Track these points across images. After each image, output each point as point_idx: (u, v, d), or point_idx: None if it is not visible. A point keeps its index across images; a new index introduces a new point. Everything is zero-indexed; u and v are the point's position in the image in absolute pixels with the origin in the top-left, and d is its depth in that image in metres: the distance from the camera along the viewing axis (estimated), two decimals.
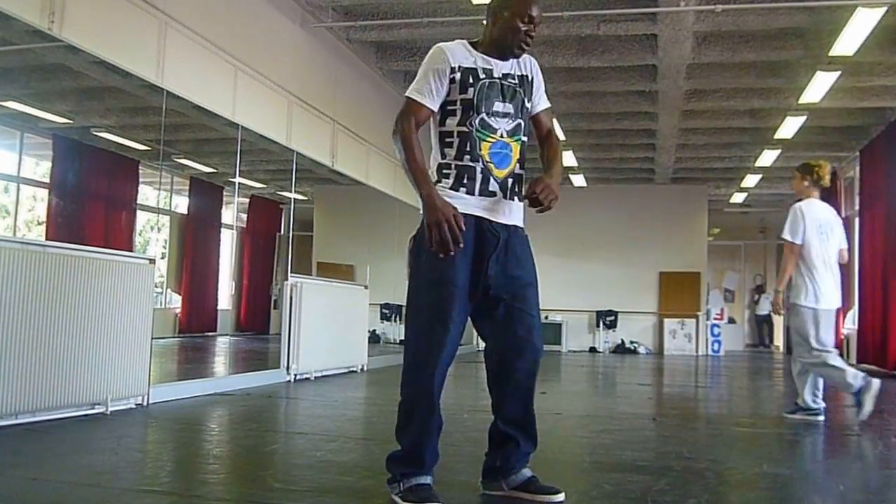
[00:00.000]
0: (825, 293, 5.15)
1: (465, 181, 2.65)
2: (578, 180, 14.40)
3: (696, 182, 14.80)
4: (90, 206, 9.37)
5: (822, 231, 5.17)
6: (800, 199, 5.37)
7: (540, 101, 2.88)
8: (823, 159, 13.04)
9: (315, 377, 6.96)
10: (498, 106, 2.70)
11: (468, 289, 2.62)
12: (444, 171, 2.68)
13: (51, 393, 4.04)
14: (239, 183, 11.40)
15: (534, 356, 2.71)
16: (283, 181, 11.19)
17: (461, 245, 2.52)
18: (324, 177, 9.46)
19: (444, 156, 2.70)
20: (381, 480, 2.97)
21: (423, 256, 2.62)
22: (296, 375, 6.69)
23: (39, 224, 11.06)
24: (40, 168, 9.76)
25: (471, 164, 2.65)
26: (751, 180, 13.97)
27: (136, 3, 5.01)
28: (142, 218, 11.03)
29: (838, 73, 8.03)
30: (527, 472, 2.75)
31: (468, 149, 2.65)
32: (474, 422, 4.80)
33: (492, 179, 2.67)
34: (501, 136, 2.70)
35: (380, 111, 9.22)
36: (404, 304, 2.71)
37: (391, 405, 5.86)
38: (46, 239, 8.77)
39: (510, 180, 2.71)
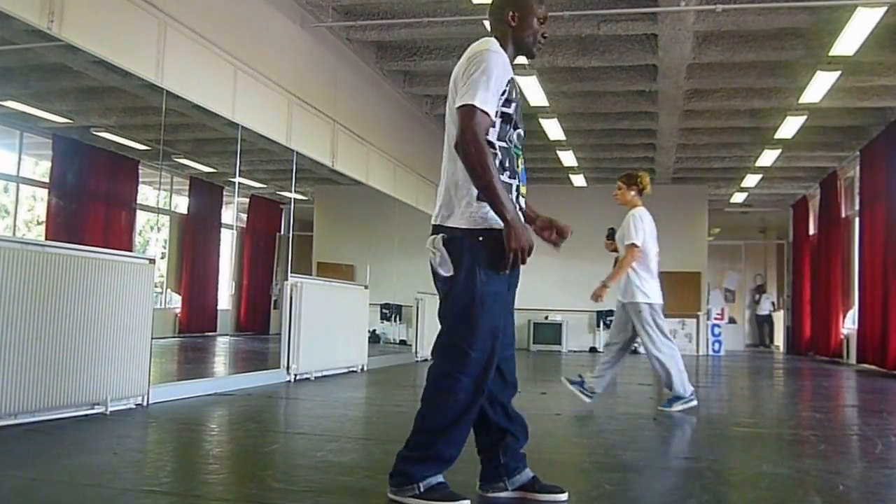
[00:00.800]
0: (658, 290, 5.94)
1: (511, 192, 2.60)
2: (578, 180, 14.40)
3: (696, 182, 14.81)
4: (90, 205, 9.37)
5: (653, 236, 6.01)
6: (632, 207, 6.05)
7: None
8: (824, 159, 13.12)
9: (315, 377, 6.96)
10: (520, 122, 2.71)
11: (510, 298, 2.72)
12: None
13: (51, 393, 4.03)
14: (239, 183, 11.41)
15: (513, 347, 2.83)
16: (283, 181, 11.20)
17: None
18: (324, 177, 9.47)
19: (497, 161, 2.58)
20: (381, 480, 2.97)
21: (479, 269, 2.56)
22: (296, 375, 6.70)
23: (39, 224, 11.06)
24: (40, 168, 9.77)
25: (510, 181, 2.62)
26: (751, 180, 13.98)
27: (135, 3, 5.01)
28: (142, 218, 11.04)
29: (838, 72, 8.03)
30: (529, 472, 2.75)
31: (508, 165, 2.61)
32: None
33: (520, 196, 2.68)
34: (520, 151, 2.73)
35: (380, 111, 9.24)
36: (454, 311, 2.62)
37: (391, 405, 5.88)
38: (46, 239, 8.77)
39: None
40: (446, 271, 2.60)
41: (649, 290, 5.82)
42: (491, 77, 2.51)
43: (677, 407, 5.43)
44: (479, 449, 2.77)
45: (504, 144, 2.61)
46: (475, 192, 2.54)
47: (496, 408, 2.72)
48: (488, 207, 2.53)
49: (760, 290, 19.07)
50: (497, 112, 2.57)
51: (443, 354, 2.64)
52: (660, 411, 5.46)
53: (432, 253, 2.63)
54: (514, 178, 2.63)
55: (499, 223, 2.52)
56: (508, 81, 2.59)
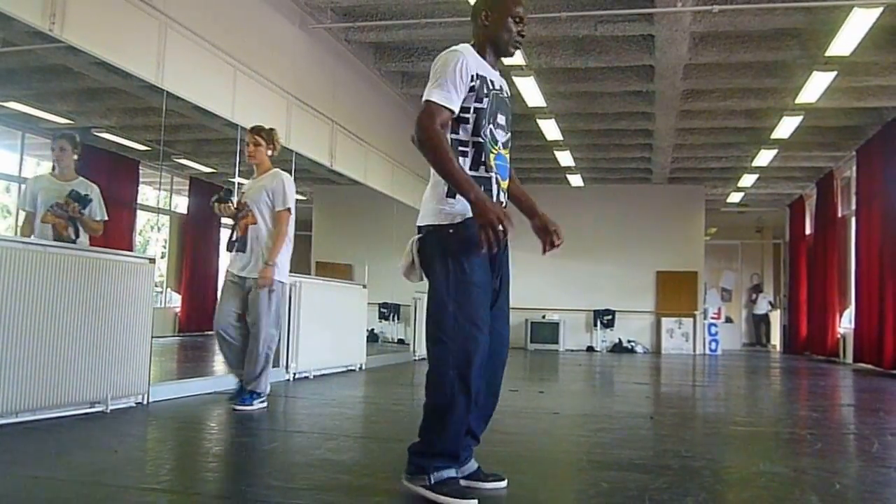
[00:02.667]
0: (288, 268, 5.14)
1: (484, 187, 2.68)
2: (576, 180, 14.43)
3: (693, 182, 14.84)
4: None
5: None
6: (267, 167, 5.16)
7: None
8: (821, 159, 13.12)
9: (314, 376, 6.98)
10: (500, 118, 2.78)
11: (491, 289, 2.74)
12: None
13: (51, 391, 4.05)
14: (239, 183, 11.39)
15: (507, 350, 2.88)
16: None
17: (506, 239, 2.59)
18: (322, 177, 9.48)
19: (468, 156, 2.71)
20: (379, 478, 3.01)
21: (452, 261, 2.64)
22: (295, 374, 6.72)
23: None
24: (41, 168, 9.76)
25: (486, 174, 2.72)
26: (748, 180, 14.01)
27: (136, 5, 5.03)
28: (142, 218, 11.03)
29: (835, 73, 8.06)
30: (475, 464, 2.85)
31: (483, 160, 2.71)
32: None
33: (500, 191, 2.77)
34: (501, 149, 2.79)
35: (378, 111, 9.26)
36: (434, 305, 2.70)
37: (390, 404, 5.90)
38: None
39: (506, 191, 2.83)
40: (414, 279, 2.75)
41: (285, 268, 5.04)
42: (446, 74, 2.61)
43: (257, 405, 4.86)
44: None
45: (479, 139, 2.70)
46: (444, 189, 2.65)
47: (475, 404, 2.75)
48: (457, 203, 2.63)
49: (757, 289, 19.10)
50: (470, 108, 2.67)
51: (429, 348, 2.71)
52: (237, 410, 4.78)
53: (405, 259, 2.74)
54: (490, 172, 2.72)
55: (467, 215, 2.60)
56: (477, 78, 2.67)
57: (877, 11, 6.48)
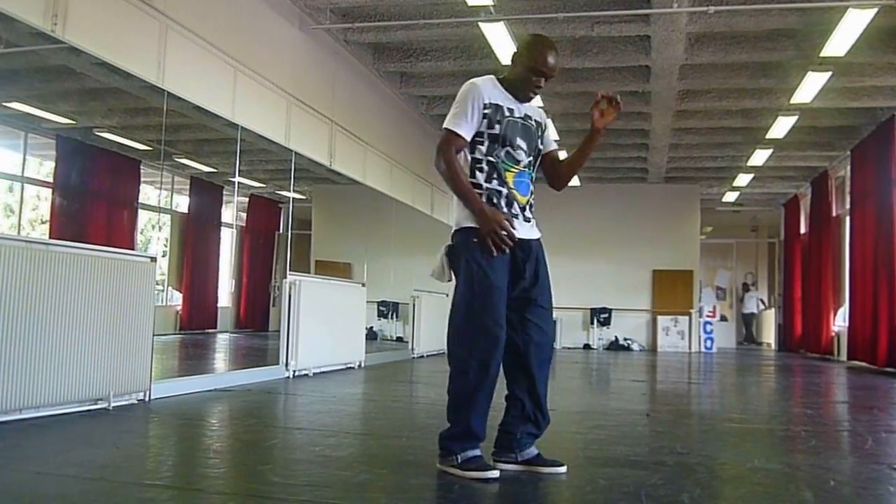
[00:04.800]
0: None
1: (493, 201, 3.05)
2: (573, 179, 14.44)
3: (688, 181, 14.87)
4: (93, 205, 9.39)
5: None
6: None
7: (552, 140, 3.36)
8: (815, 159, 13.15)
9: (314, 373, 7.00)
10: (519, 142, 3.11)
11: (507, 290, 3.04)
12: (476, 191, 3.04)
13: (54, 389, 4.07)
14: (238, 182, 11.44)
15: (551, 347, 3.23)
16: (282, 181, 11.22)
17: (513, 243, 2.98)
18: (322, 176, 9.50)
19: (475, 178, 3.07)
20: (378, 475, 3.05)
21: (472, 265, 2.99)
22: (295, 372, 6.74)
23: (43, 223, 11.07)
24: (44, 168, 9.79)
25: (498, 187, 3.07)
26: (743, 179, 14.04)
27: (137, 6, 5.04)
28: (143, 217, 11.06)
29: (829, 73, 8.09)
30: (535, 450, 3.13)
31: (496, 175, 3.07)
32: None
33: (515, 203, 3.10)
34: (524, 168, 3.14)
35: (377, 112, 9.28)
36: (457, 301, 3.04)
37: (389, 401, 5.93)
38: (50, 237, 8.80)
39: (529, 205, 3.16)
40: (443, 280, 3.15)
41: None
42: (461, 105, 3.02)
43: None
44: (502, 422, 3.14)
45: (492, 159, 3.07)
46: None
47: (530, 397, 3.10)
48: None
49: (745, 288, 19.15)
50: (483, 133, 3.05)
51: (451, 339, 3.06)
52: None
53: (437, 262, 3.11)
54: (503, 187, 3.07)
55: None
56: (490, 106, 3.03)
57: (871, 12, 6.51)
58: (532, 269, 3.11)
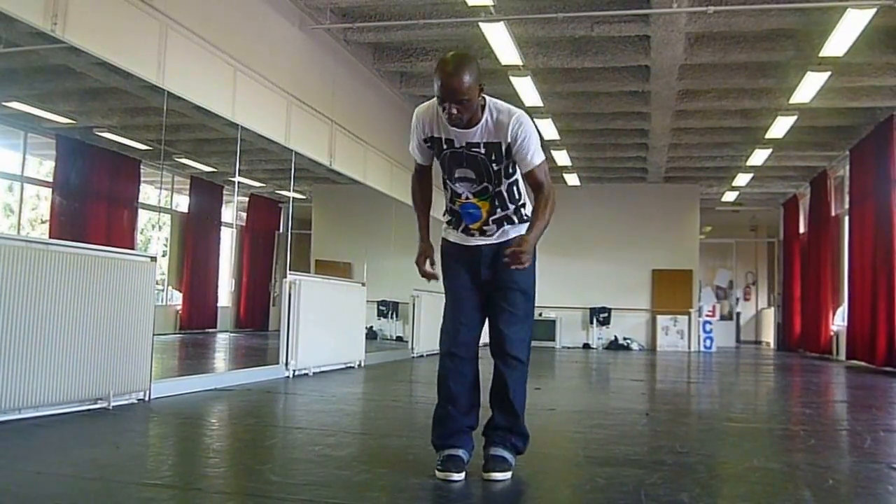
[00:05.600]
0: None
1: (453, 221, 3.18)
2: (572, 179, 14.47)
3: (688, 181, 14.87)
4: (92, 204, 9.41)
5: None
6: None
7: (528, 160, 2.95)
8: (814, 159, 13.15)
9: (313, 373, 7.01)
10: (459, 172, 3.04)
11: (473, 289, 3.12)
12: (446, 210, 3.20)
13: (54, 388, 4.08)
14: (238, 182, 11.46)
15: (508, 349, 3.08)
16: (282, 180, 11.24)
17: (430, 277, 3.19)
18: (322, 176, 9.51)
19: (446, 197, 3.20)
20: (378, 474, 3.05)
21: (444, 270, 3.21)
22: (294, 371, 6.75)
23: (43, 222, 11.08)
24: (44, 167, 9.80)
25: (455, 209, 3.14)
26: (742, 179, 14.03)
27: (137, 6, 5.04)
28: (143, 216, 11.07)
29: (828, 73, 8.08)
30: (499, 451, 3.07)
31: (451, 199, 3.17)
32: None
33: (469, 227, 3.13)
34: (467, 199, 3.07)
35: (377, 111, 9.28)
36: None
37: (388, 401, 5.94)
38: (50, 237, 8.81)
39: (490, 223, 3.10)
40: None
41: None
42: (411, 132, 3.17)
43: None
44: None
45: (450, 184, 3.13)
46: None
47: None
48: (448, 228, 3.22)
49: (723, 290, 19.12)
50: (439, 162, 3.15)
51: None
52: None
53: None
54: (457, 211, 3.13)
55: (448, 238, 3.21)
56: (428, 140, 3.08)
57: (870, 12, 6.51)
58: (491, 270, 3.09)
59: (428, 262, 3.16)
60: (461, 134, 2.93)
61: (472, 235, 3.14)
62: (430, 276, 3.17)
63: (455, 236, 3.19)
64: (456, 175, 3.03)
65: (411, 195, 3.28)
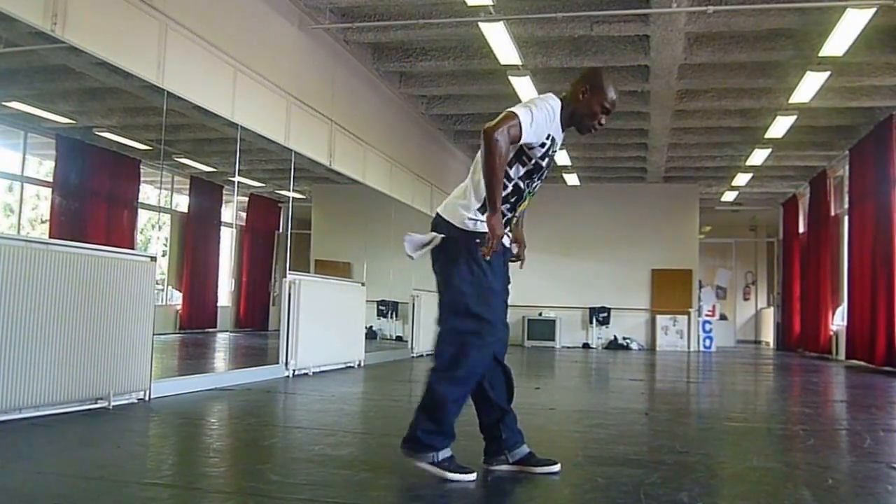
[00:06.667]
0: None
1: (505, 210, 2.97)
2: (572, 179, 14.47)
3: (687, 181, 14.88)
4: (92, 204, 9.40)
5: None
6: None
7: None
8: (814, 158, 13.15)
9: (313, 372, 7.03)
10: (545, 174, 3.07)
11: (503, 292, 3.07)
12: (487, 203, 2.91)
13: (54, 388, 4.09)
14: (238, 182, 11.45)
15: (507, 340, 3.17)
16: (282, 180, 11.23)
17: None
18: (321, 176, 9.50)
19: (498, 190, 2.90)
20: (378, 473, 3.06)
21: (474, 267, 2.93)
22: (294, 371, 6.76)
23: (43, 222, 11.07)
24: (44, 167, 9.80)
25: (508, 212, 3.00)
26: (742, 179, 14.04)
27: (136, 6, 5.05)
28: (143, 216, 11.07)
29: (828, 73, 8.09)
30: (526, 448, 3.10)
31: (513, 200, 3.00)
32: (468, 416, 4.88)
33: (517, 212, 3.09)
34: (528, 201, 3.09)
35: (377, 111, 9.29)
36: (452, 300, 2.99)
37: (388, 400, 5.95)
38: (50, 237, 8.79)
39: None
40: (414, 258, 3.13)
41: None
42: (540, 111, 2.85)
43: None
44: (482, 426, 3.10)
45: (521, 185, 2.98)
46: (478, 204, 2.96)
47: (494, 392, 3.08)
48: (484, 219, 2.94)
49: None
50: (533, 159, 2.94)
51: (445, 338, 3.05)
52: None
53: (419, 241, 3.09)
54: (512, 212, 3.03)
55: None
56: (549, 138, 2.93)
57: (870, 12, 6.51)
58: (507, 276, 3.15)
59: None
60: (561, 136, 3.05)
61: (512, 221, 3.10)
62: (495, 253, 2.88)
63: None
64: (543, 176, 3.06)
65: (502, 160, 2.80)
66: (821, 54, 7.51)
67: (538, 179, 3.04)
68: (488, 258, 2.87)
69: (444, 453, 2.92)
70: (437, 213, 3.06)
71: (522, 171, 2.95)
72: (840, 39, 7.09)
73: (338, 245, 12.09)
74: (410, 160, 10.24)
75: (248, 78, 6.38)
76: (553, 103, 2.93)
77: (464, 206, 2.97)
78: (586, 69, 3.13)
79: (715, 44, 7.82)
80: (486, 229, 2.84)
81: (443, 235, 2.99)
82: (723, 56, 7.96)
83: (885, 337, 9.63)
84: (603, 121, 3.01)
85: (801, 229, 15.21)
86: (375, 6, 7.28)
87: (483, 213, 2.89)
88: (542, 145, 2.92)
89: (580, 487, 2.95)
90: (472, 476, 2.91)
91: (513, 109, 2.83)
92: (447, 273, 2.98)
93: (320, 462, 3.29)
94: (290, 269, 7.07)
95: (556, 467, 3.07)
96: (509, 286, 3.15)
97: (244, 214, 14.33)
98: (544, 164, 2.98)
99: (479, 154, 2.89)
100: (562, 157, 12.51)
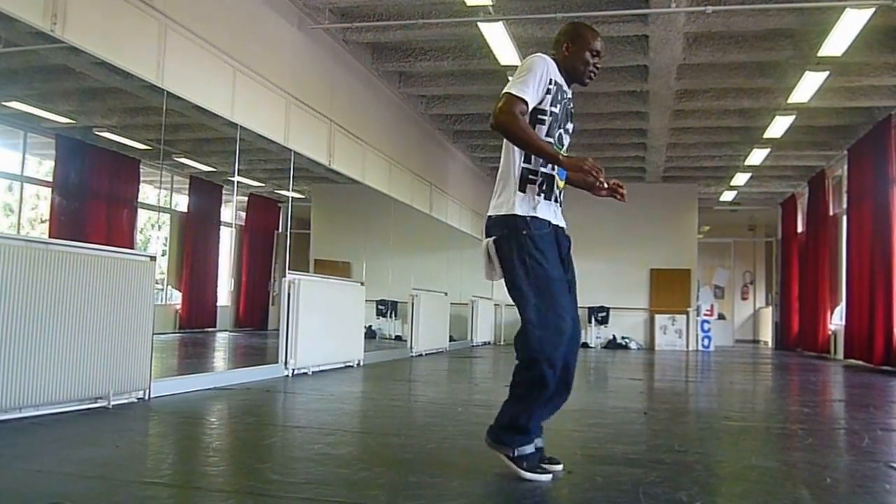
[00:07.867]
0: None
1: (545, 187, 3.01)
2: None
3: (686, 180, 14.90)
4: (92, 204, 9.40)
5: None
6: None
7: None
8: (812, 158, 13.17)
9: (312, 372, 7.02)
10: (569, 125, 3.15)
11: (565, 281, 3.03)
12: (531, 176, 2.98)
13: (54, 387, 4.09)
14: (238, 182, 11.46)
15: (579, 339, 3.13)
16: (281, 180, 11.25)
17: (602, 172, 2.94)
18: (321, 175, 9.52)
19: (529, 161, 2.99)
20: (377, 472, 3.06)
21: (529, 259, 2.92)
22: (294, 370, 6.76)
23: (42, 222, 11.10)
24: (43, 167, 9.80)
25: (552, 172, 3.03)
26: (740, 179, 14.07)
27: (136, 6, 5.05)
28: (143, 216, 11.07)
29: (827, 73, 8.11)
30: (539, 441, 3.07)
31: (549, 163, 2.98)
32: (468, 415, 4.89)
33: (556, 189, 3.09)
34: (565, 153, 3.07)
35: (376, 111, 9.29)
36: (517, 299, 2.97)
37: (387, 399, 5.95)
38: (49, 237, 8.81)
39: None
40: (496, 278, 3.09)
41: None
42: (528, 74, 2.90)
43: None
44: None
45: (550, 140, 3.01)
46: (515, 184, 2.98)
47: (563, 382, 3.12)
48: (526, 197, 2.99)
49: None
50: (547, 111, 2.98)
51: (523, 339, 3.03)
52: None
53: (484, 261, 3.09)
54: (554, 171, 3.04)
55: (534, 214, 2.98)
56: (553, 84, 2.97)
57: (868, 12, 6.53)
58: (571, 264, 3.15)
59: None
60: (566, 88, 3.10)
61: (559, 204, 3.11)
62: (598, 172, 2.91)
63: (545, 211, 3.02)
64: (566, 126, 3.11)
65: (526, 130, 2.87)
66: (819, 54, 7.53)
67: (559, 129, 3.05)
68: (605, 184, 3.05)
69: (524, 450, 2.96)
70: (487, 216, 3.07)
71: (544, 130, 3.00)
72: (839, 39, 7.11)
73: (337, 245, 12.11)
74: (410, 160, 10.25)
75: (248, 78, 6.38)
76: (537, 58, 2.97)
77: (504, 195, 2.99)
78: (563, 27, 3.17)
79: (714, 44, 7.84)
80: (530, 213, 2.93)
81: (493, 238, 3.00)
82: (722, 56, 7.97)
83: (884, 336, 9.65)
84: (598, 65, 3.11)
85: (800, 229, 15.23)
86: (375, 6, 7.28)
87: (523, 192, 2.96)
88: (548, 91, 2.96)
89: (579, 486, 2.95)
90: (548, 477, 2.95)
91: (505, 91, 2.91)
92: (508, 277, 2.99)
93: (319, 461, 3.29)
94: (289, 269, 7.07)
95: (559, 467, 3.07)
96: (575, 279, 3.14)
97: (244, 214, 14.34)
98: (557, 110, 3.00)
99: (503, 148, 3.00)
100: None
